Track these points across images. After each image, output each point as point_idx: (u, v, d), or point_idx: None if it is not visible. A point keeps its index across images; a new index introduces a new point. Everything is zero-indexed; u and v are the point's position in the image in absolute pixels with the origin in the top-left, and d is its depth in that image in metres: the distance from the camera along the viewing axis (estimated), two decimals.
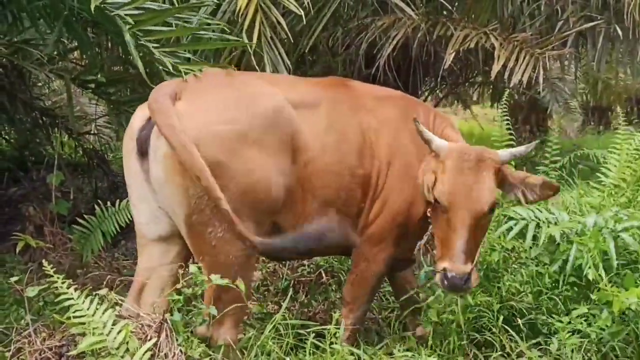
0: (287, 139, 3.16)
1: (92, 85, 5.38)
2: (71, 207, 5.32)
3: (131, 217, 4.71)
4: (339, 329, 3.29)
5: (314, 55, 6.93)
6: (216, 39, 4.23)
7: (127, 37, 3.39)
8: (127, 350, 2.49)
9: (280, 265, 4.87)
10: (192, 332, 3.00)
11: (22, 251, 4.42)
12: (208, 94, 3.11)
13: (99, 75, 5.39)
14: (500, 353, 3.56)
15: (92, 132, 7.23)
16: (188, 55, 3.97)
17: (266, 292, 4.66)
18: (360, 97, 3.59)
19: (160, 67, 3.59)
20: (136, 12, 3.62)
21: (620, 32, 5.43)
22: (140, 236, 3.24)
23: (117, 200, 4.89)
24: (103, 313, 2.52)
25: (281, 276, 4.76)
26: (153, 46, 3.55)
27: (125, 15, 3.49)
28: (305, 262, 4.86)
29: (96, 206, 4.85)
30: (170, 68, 3.38)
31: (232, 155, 2.97)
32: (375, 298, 4.50)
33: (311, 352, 3.29)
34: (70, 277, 4.14)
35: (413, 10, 5.61)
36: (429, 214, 3.36)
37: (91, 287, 2.92)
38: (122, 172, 6.84)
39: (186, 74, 3.26)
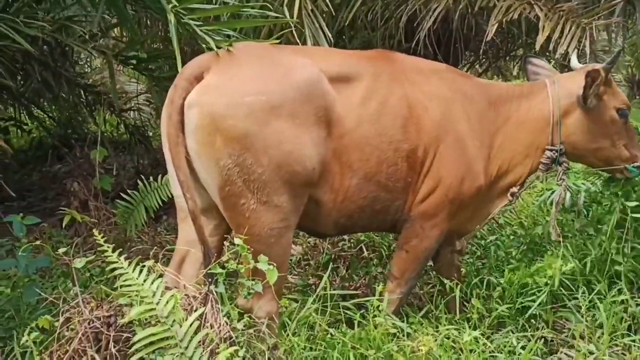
0: (322, 112, 3.12)
1: (134, 62, 5.40)
2: (114, 182, 5.40)
3: (172, 192, 4.80)
4: (382, 301, 3.28)
5: (353, 30, 6.84)
6: (256, 16, 4.19)
7: (171, 17, 3.37)
8: (175, 320, 2.51)
9: (321, 240, 4.88)
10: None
11: (67, 226, 4.51)
12: (239, 66, 3.07)
13: (140, 52, 5.42)
14: (547, 329, 3.54)
15: (133, 108, 7.31)
16: (229, 32, 3.95)
17: (307, 267, 4.68)
18: (405, 70, 3.52)
19: (204, 45, 3.57)
20: None
21: None
22: (179, 209, 3.26)
23: (159, 176, 4.94)
24: (152, 282, 2.55)
25: (322, 251, 4.77)
26: (195, 24, 3.53)
27: None
28: (345, 237, 4.87)
29: (139, 181, 4.91)
30: (214, 46, 3.36)
31: (263, 126, 2.95)
32: None
33: (354, 324, 3.30)
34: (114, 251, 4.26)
35: None
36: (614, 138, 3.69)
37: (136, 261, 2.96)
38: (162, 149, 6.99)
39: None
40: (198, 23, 3.45)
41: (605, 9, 5.38)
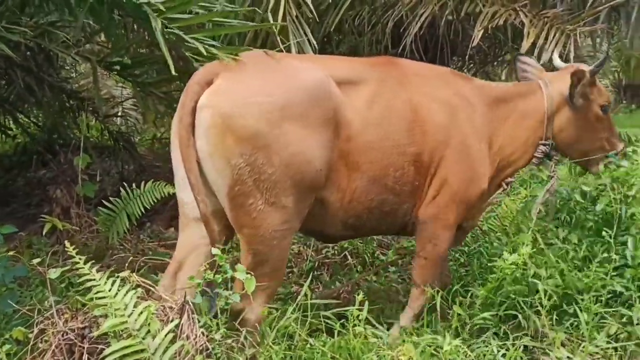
0: (330, 114, 3.17)
1: (118, 68, 5.37)
2: (98, 189, 5.36)
3: (156, 199, 4.78)
4: (361, 310, 3.26)
5: (340, 35, 6.84)
6: (237, 23, 4.15)
7: (158, 24, 3.34)
8: (149, 331, 2.49)
9: (305, 247, 4.86)
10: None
11: (48, 233, 4.46)
12: (247, 70, 3.13)
13: (124, 57, 5.39)
14: (529, 336, 3.52)
15: (119, 114, 7.26)
16: (212, 42, 3.93)
17: (290, 274, 4.65)
18: (409, 75, 3.60)
19: (188, 54, 3.54)
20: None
21: None
22: (182, 215, 3.27)
23: (143, 183, 4.90)
24: (125, 295, 2.53)
25: (305, 258, 4.75)
26: (177, 33, 3.50)
27: (150, 3, 3.45)
28: (330, 244, 4.84)
29: (121, 188, 4.87)
30: (203, 51, 3.34)
31: (273, 126, 3.00)
32: (400, 281, 4.50)
33: (334, 333, 3.27)
34: (96, 259, 4.21)
35: None
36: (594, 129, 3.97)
37: (116, 269, 2.94)
38: (149, 155, 6.95)
39: (218, 58, 3.24)
40: (179, 32, 3.43)
41: (590, 15, 5.39)
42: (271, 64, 3.24)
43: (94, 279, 2.55)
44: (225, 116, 2.96)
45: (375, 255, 4.79)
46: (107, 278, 2.57)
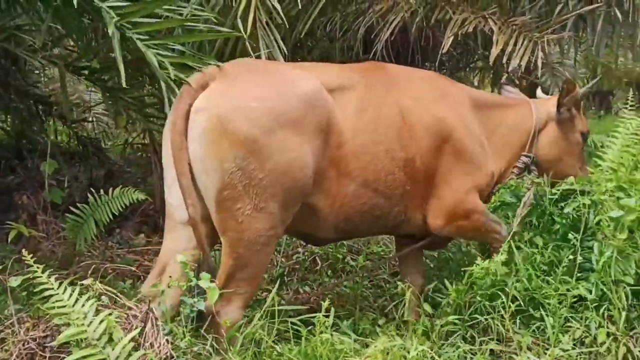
0: (322, 121, 3.21)
1: (86, 72, 5.31)
2: (66, 195, 5.29)
3: (125, 205, 4.73)
4: (328, 317, 3.24)
5: (312, 41, 6.85)
6: (205, 30, 4.12)
7: (112, 29, 3.30)
8: (111, 340, 2.46)
9: (275, 253, 4.83)
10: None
11: (14, 240, 4.39)
12: (244, 76, 3.18)
13: (93, 62, 5.32)
14: (495, 340, 3.53)
15: (89, 119, 7.18)
16: (181, 48, 3.88)
17: None
18: (396, 79, 3.66)
19: (149, 61, 3.49)
20: (123, 3, 3.53)
21: (620, 16, 5.34)
22: (169, 217, 3.26)
23: (111, 189, 4.84)
24: (84, 303, 2.49)
25: (276, 264, 4.73)
26: (142, 39, 3.45)
27: (111, 7, 3.41)
28: (300, 249, 4.84)
29: (89, 194, 4.81)
30: (155, 62, 3.31)
31: (268, 132, 3.02)
32: (370, 286, 4.50)
33: (301, 339, 3.25)
34: (63, 266, 4.15)
35: None
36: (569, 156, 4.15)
37: (82, 276, 2.90)
38: (119, 161, 6.86)
39: (173, 66, 3.23)
40: (144, 37, 3.40)
41: (557, 23, 5.47)
42: (266, 70, 3.31)
43: (52, 288, 2.50)
44: (221, 119, 2.98)
45: (345, 260, 4.79)
46: (67, 286, 2.54)
